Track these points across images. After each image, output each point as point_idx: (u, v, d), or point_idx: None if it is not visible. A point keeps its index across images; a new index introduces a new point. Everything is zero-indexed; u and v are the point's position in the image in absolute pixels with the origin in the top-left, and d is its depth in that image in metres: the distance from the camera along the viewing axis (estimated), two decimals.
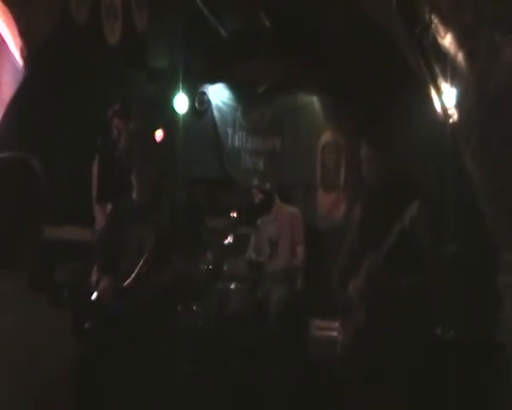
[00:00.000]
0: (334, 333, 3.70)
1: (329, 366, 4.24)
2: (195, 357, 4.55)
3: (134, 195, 3.25)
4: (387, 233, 3.04)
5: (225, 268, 5.60)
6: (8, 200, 1.51)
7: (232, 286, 5.46)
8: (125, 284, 3.08)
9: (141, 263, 3.08)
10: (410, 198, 3.05)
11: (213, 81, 7.17)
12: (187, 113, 6.91)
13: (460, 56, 3.66)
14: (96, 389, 2.85)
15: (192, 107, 7.06)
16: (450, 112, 4.16)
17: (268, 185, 5.80)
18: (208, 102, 7.22)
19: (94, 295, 3.13)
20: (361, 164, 3.29)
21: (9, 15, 4.29)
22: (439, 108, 4.38)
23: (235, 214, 5.51)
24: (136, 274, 3.07)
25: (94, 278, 3.25)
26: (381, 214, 3.19)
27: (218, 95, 7.25)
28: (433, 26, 3.77)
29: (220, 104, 7.25)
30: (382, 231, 3.08)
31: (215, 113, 7.23)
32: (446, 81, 4.03)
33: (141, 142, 3.21)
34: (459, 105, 4.02)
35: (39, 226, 1.57)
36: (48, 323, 1.50)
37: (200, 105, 7.19)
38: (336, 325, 3.61)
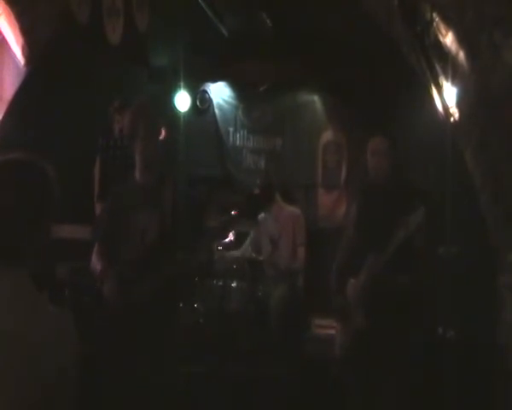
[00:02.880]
0: (335, 332, 3.70)
1: (330, 365, 4.24)
2: (196, 355, 4.56)
3: (137, 175, 3.20)
4: (386, 234, 3.04)
5: (226, 266, 5.61)
6: (20, 203, 1.54)
7: (233, 284, 5.47)
8: (128, 275, 3.03)
9: (144, 255, 3.04)
10: (407, 200, 3.05)
11: (215, 80, 7.17)
12: (188, 111, 6.91)
13: (461, 55, 3.66)
14: (96, 389, 2.85)
15: (193, 105, 7.07)
16: (450, 111, 4.16)
17: (269, 177, 5.81)
18: (209, 100, 7.22)
19: (99, 293, 3.08)
20: (371, 157, 3.26)
21: (11, 14, 4.29)
22: (439, 108, 4.38)
23: (235, 213, 5.50)
24: (138, 264, 3.02)
25: (97, 266, 3.17)
26: (377, 215, 3.18)
27: (220, 93, 7.25)
28: (434, 24, 3.77)
29: (221, 102, 7.25)
30: (379, 232, 3.07)
31: (216, 111, 7.23)
32: (447, 80, 4.03)
33: (144, 118, 3.15)
34: (460, 104, 4.02)
35: (48, 229, 1.60)
36: (48, 323, 1.51)
37: (201, 103, 7.19)
38: (337, 324, 3.61)
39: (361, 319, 3.17)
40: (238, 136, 7.24)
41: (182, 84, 6.62)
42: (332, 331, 4.47)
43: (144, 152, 3.15)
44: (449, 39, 3.71)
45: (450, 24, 3.62)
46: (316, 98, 7.04)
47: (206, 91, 7.22)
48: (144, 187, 3.16)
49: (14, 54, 4.62)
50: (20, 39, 4.54)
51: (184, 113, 6.82)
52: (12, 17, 4.33)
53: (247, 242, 5.97)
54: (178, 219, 3.10)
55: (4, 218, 1.52)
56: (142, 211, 3.10)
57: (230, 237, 5.72)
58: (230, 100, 7.25)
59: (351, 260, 3.29)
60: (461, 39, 3.60)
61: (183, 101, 6.83)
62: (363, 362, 3.18)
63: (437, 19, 3.72)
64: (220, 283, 5.44)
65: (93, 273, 3.17)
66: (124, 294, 2.99)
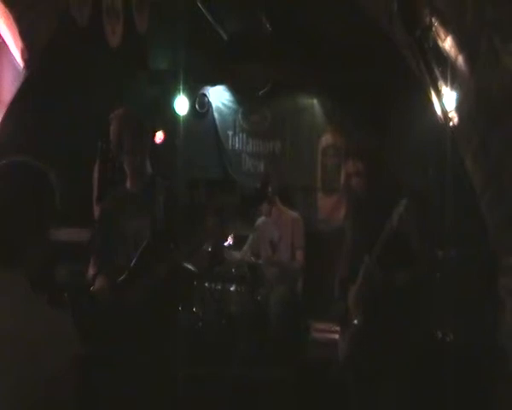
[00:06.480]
0: (335, 336, 3.70)
1: (329, 369, 4.24)
2: (195, 359, 4.55)
3: (128, 183, 3.22)
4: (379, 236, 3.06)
5: (224, 270, 5.60)
6: (21, 206, 1.55)
7: (232, 288, 5.46)
8: (121, 278, 3.03)
9: (137, 256, 3.03)
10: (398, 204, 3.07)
11: (214, 83, 7.19)
12: (187, 114, 6.91)
13: (460, 60, 3.67)
14: (96, 389, 2.85)
15: (192, 109, 7.08)
16: (450, 115, 4.17)
17: (267, 177, 5.83)
18: (209, 103, 7.23)
19: (91, 293, 3.09)
20: (348, 178, 3.33)
21: (10, 17, 4.29)
22: (439, 111, 4.38)
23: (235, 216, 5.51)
24: (133, 268, 3.02)
25: (90, 273, 3.20)
26: (372, 222, 3.20)
27: (219, 97, 7.26)
28: (433, 29, 3.78)
29: (221, 106, 7.26)
30: (375, 239, 3.09)
31: (215, 115, 7.24)
32: (446, 84, 4.03)
33: (129, 129, 3.13)
34: (459, 108, 4.02)
35: (49, 232, 1.61)
36: (48, 323, 1.51)
37: (200, 107, 7.20)
38: (336, 327, 3.62)
39: (359, 319, 3.17)
40: (237, 139, 7.25)
41: (181, 87, 6.63)
42: (331, 335, 4.48)
43: (131, 163, 3.16)
44: (448, 43, 3.72)
45: (450, 28, 3.63)
46: (315, 102, 7.06)
47: (205, 95, 7.23)
48: (134, 194, 3.17)
49: (13, 56, 4.62)
50: (19, 42, 4.53)
51: (183, 116, 6.83)
52: (11, 19, 4.33)
53: (247, 245, 5.97)
54: (172, 223, 3.09)
55: (5, 220, 1.52)
56: (133, 217, 3.11)
57: (229, 240, 5.71)
58: (230, 103, 7.26)
59: (350, 268, 3.30)
60: (460, 43, 3.61)
61: (182, 104, 6.84)
62: (364, 364, 3.18)
63: (436, 23, 3.73)
64: (219, 286, 5.43)
65: (89, 278, 3.20)
66: (116, 298, 2.99)
